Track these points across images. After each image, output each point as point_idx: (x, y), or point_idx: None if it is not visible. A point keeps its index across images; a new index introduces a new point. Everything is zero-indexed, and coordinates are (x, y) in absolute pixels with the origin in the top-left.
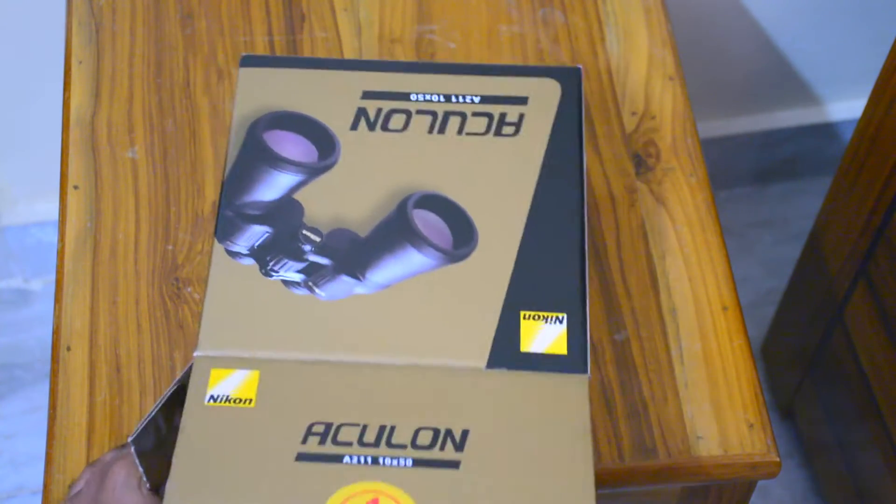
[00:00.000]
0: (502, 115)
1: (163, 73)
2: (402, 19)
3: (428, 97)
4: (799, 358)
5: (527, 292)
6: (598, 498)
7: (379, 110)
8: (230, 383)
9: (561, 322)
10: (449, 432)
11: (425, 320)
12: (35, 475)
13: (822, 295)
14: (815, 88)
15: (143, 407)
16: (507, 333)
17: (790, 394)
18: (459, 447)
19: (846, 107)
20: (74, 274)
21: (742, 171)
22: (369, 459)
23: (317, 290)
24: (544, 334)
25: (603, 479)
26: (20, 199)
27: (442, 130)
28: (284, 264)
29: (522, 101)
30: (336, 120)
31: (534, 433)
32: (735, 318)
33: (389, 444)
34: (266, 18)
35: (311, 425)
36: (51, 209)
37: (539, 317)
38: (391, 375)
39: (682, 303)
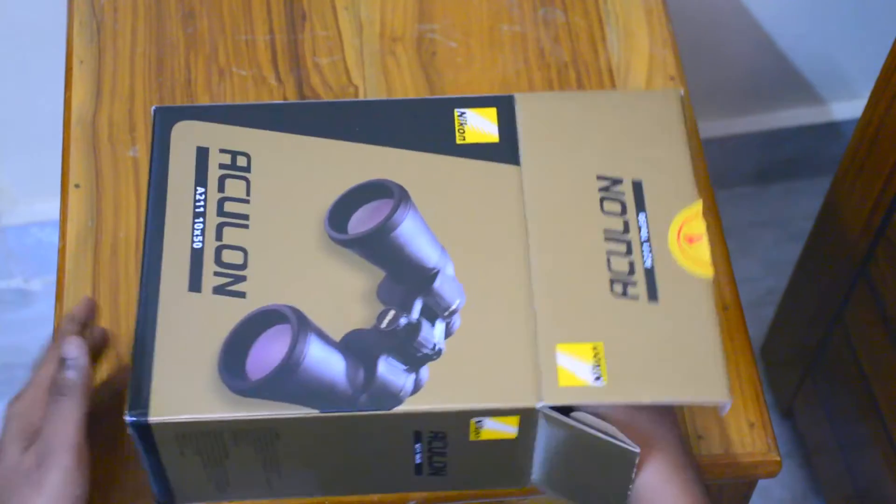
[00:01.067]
0: None
1: (164, 72)
2: (403, 18)
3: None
4: (799, 358)
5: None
6: None
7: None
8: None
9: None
10: None
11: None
12: None
13: (822, 295)
14: (815, 88)
15: None
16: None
17: (790, 394)
18: None
19: (846, 107)
20: (75, 273)
21: (742, 171)
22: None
23: (454, 322)
24: (477, 127)
25: None
26: (20, 199)
27: (248, 169)
28: (415, 340)
29: None
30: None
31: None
32: (736, 317)
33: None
34: (267, 17)
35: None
36: (51, 209)
37: (466, 117)
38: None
39: None
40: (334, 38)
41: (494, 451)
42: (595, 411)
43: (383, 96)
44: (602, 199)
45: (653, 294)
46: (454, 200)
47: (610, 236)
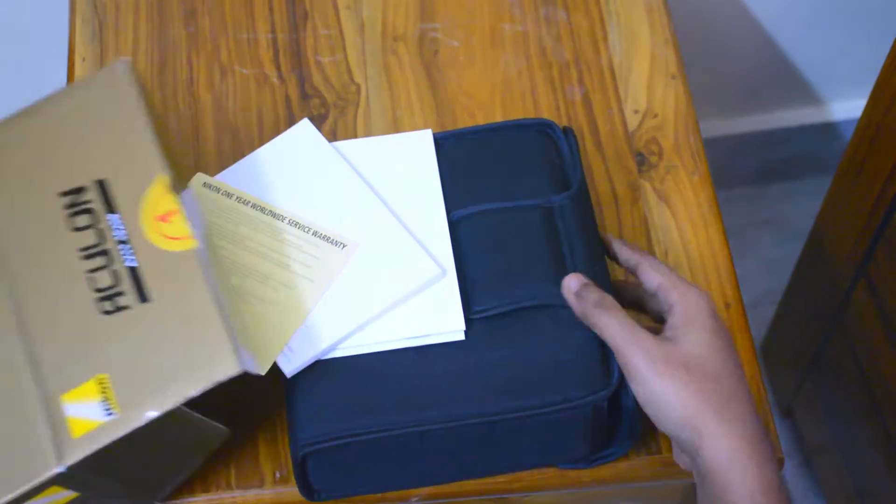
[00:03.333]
0: None
1: (166, 71)
2: (405, 17)
3: None
4: (799, 358)
5: None
6: (603, 495)
7: None
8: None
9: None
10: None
11: None
12: None
13: (822, 295)
14: (815, 88)
15: None
16: None
17: (790, 393)
18: None
19: (846, 107)
20: None
21: (742, 171)
22: None
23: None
24: None
25: (606, 475)
26: None
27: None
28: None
29: None
30: None
31: None
32: (737, 314)
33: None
34: (269, 16)
35: None
36: None
37: None
38: None
39: None
40: (336, 36)
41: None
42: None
43: (385, 95)
44: (71, 216)
45: (143, 295)
46: None
47: (87, 253)
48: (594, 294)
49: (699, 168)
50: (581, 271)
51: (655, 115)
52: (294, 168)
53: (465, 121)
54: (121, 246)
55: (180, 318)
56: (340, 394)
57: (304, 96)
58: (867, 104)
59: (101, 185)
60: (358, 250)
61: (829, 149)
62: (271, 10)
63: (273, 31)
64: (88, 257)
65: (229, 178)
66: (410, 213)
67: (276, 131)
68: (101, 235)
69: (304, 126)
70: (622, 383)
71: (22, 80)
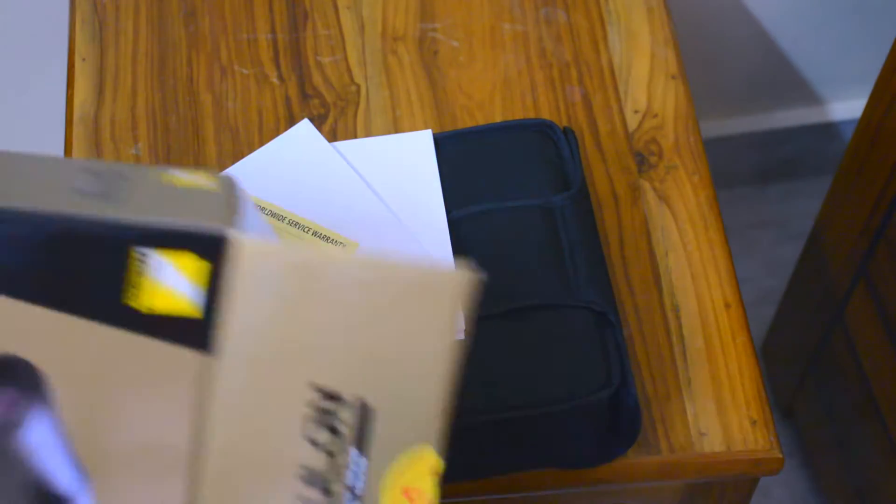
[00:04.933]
0: None
1: (166, 70)
2: (404, 17)
3: None
4: (799, 358)
5: None
6: (602, 494)
7: None
8: None
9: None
10: None
11: None
12: None
13: (822, 295)
14: (815, 88)
15: None
16: None
17: (790, 393)
18: None
19: (846, 107)
20: None
21: (742, 171)
22: None
23: None
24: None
25: (606, 475)
26: None
27: None
28: None
29: None
30: None
31: None
32: (737, 314)
33: None
34: (269, 16)
35: None
36: None
37: (150, 263)
38: None
39: (685, 300)
40: (336, 36)
41: None
42: None
43: (385, 95)
44: (314, 422)
45: None
46: (107, 400)
47: (308, 478)
48: None
49: (699, 168)
50: (581, 272)
51: (655, 115)
52: (294, 168)
53: (465, 121)
54: (347, 495)
55: None
56: None
57: (304, 96)
58: (867, 104)
59: (363, 410)
60: (358, 250)
61: (829, 149)
62: (271, 10)
63: (273, 31)
64: (307, 483)
65: None
66: (410, 213)
67: (276, 131)
68: (335, 470)
69: (304, 126)
70: (622, 383)
71: (22, 80)
